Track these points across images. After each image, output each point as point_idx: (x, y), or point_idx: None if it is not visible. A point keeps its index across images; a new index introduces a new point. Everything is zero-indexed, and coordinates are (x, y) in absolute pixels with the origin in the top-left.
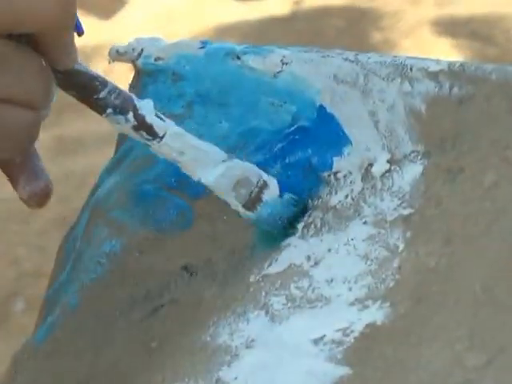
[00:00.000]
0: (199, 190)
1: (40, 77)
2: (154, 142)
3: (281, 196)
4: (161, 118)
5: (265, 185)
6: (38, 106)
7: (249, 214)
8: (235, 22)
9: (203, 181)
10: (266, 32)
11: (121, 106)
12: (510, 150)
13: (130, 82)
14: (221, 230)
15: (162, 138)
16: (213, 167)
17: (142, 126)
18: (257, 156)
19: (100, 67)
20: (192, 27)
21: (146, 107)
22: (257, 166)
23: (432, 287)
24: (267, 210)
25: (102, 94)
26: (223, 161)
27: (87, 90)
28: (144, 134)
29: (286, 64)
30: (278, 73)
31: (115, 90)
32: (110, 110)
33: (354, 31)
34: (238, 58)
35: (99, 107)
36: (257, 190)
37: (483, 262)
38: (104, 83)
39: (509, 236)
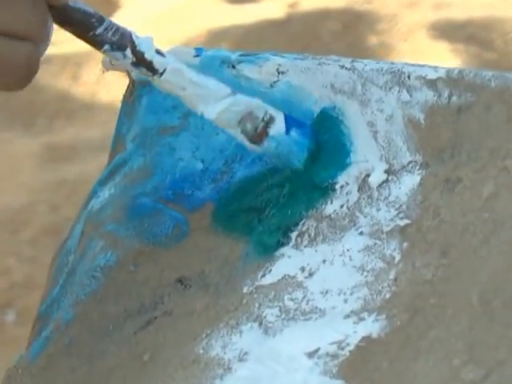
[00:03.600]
0: (195, 203)
1: (35, 10)
2: (155, 77)
3: (288, 132)
4: (161, 54)
5: (271, 119)
6: (35, 38)
7: (254, 147)
8: (230, 26)
9: (205, 115)
10: (261, 36)
11: (118, 43)
12: (509, 159)
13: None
14: (214, 242)
15: (162, 73)
16: (215, 102)
17: (141, 62)
18: (254, 168)
19: (93, 73)
20: (186, 32)
21: (146, 43)
22: (254, 178)
23: (429, 300)
24: (273, 144)
25: (99, 31)
26: (226, 96)
27: (83, 26)
28: (143, 69)
29: (282, 73)
30: (274, 82)
31: (112, 26)
32: (107, 47)
33: (351, 35)
34: (234, 67)
35: (96, 43)
36: (263, 124)
37: (481, 274)
38: (100, 20)
39: (507, 248)
